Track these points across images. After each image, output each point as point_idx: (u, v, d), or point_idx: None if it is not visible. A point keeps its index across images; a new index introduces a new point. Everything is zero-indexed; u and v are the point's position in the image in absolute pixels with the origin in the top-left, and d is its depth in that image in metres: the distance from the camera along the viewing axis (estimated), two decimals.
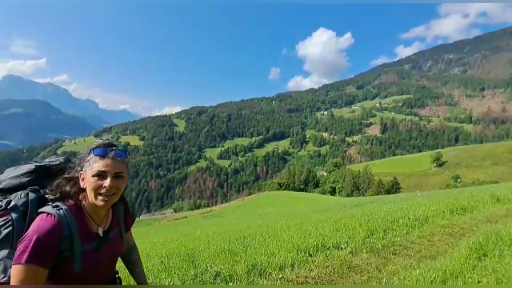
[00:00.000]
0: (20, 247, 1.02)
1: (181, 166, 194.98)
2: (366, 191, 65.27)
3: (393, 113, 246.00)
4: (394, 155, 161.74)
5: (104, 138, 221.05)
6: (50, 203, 1.13)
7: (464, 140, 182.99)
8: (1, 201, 1.15)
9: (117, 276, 1.39)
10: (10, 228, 1.10)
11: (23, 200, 1.14)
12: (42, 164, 1.27)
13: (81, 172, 1.17)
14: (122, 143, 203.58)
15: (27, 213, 1.13)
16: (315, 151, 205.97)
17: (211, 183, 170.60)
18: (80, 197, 1.19)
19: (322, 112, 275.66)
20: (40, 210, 1.11)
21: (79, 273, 1.12)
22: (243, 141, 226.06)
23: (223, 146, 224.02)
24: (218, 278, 3.19)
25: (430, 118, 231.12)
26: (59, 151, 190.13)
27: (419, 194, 23.09)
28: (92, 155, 1.15)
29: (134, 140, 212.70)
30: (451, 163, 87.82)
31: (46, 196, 1.17)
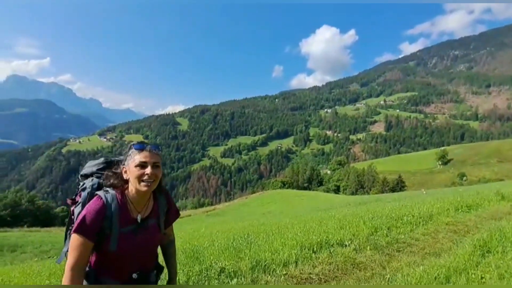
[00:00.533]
0: (76, 220, 1.36)
1: (184, 164, 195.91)
2: (370, 190, 64.92)
3: (397, 110, 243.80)
4: (399, 153, 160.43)
5: (109, 137, 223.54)
6: (103, 188, 1.45)
7: (470, 137, 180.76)
8: (81, 183, 1.56)
9: (157, 266, 1.59)
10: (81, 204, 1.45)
11: (90, 183, 1.50)
12: (108, 159, 1.61)
13: (124, 166, 1.43)
14: (126, 142, 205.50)
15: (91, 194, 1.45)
16: (319, 149, 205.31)
17: (214, 181, 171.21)
18: (124, 187, 1.44)
19: (325, 110, 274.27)
20: (96, 192, 1.43)
21: (115, 252, 1.35)
22: (247, 140, 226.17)
23: (226, 145, 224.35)
24: (222, 274, 3.24)
25: (435, 116, 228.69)
26: (64, 150, 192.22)
27: (424, 192, 22.94)
28: (133, 149, 1.42)
29: (137, 139, 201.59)
30: (457, 160, 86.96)
31: (104, 183, 1.48)
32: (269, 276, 3.20)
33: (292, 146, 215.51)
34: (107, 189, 1.43)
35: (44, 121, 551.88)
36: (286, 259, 3.60)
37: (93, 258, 1.41)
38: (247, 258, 3.61)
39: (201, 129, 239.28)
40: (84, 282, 1.39)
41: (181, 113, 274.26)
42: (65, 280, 1.28)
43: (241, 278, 3.14)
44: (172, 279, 1.70)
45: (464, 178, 69.70)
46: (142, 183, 1.37)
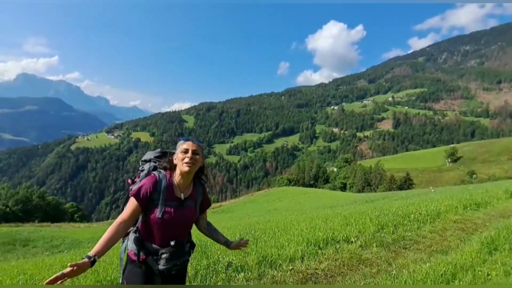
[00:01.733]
0: (135, 188, 1.79)
1: None
2: (377, 187, 64.40)
3: (406, 107, 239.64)
4: (407, 150, 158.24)
5: (116, 134, 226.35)
6: (158, 170, 1.90)
7: (481, 134, 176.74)
8: (141, 167, 1.99)
9: (190, 241, 1.94)
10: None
11: (148, 166, 1.94)
12: (164, 150, 2.04)
13: (174, 155, 1.89)
14: (133, 139, 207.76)
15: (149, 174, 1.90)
16: (325, 146, 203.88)
17: (220, 178, 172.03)
18: (173, 171, 1.87)
19: (332, 107, 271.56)
20: (152, 172, 1.88)
21: (159, 219, 1.72)
22: (252, 137, 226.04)
23: (232, 142, 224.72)
24: (230, 268, 3.30)
25: (445, 112, 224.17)
26: (72, 147, 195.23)
27: (432, 190, 22.68)
28: (181, 141, 1.89)
29: (144, 136, 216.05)
30: (466, 158, 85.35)
31: (158, 166, 1.93)
32: (275, 271, 3.25)
33: (298, 143, 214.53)
34: (161, 170, 1.87)
35: (53, 118, 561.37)
36: (292, 254, 3.65)
37: (141, 225, 1.79)
38: (253, 253, 3.66)
39: (207, 126, 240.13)
40: (131, 245, 1.77)
41: (187, 111, 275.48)
42: (109, 229, 1.63)
43: (248, 273, 3.20)
44: (226, 242, 2.17)
45: (474, 176, 68.46)
46: (185, 164, 1.79)
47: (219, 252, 3.89)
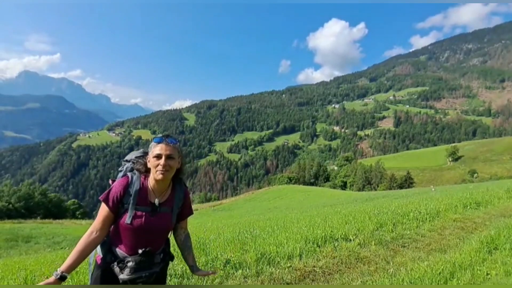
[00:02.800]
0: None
1: (191, 159, 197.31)
2: (378, 186, 64.36)
3: (407, 106, 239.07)
4: (407, 149, 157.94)
5: (117, 132, 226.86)
6: (133, 171, 1.75)
7: (482, 133, 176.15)
8: (123, 166, 1.86)
9: (166, 250, 1.77)
10: None
11: (126, 167, 1.82)
12: (146, 151, 1.86)
13: (147, 157, 1.70)
14: (134, 137, 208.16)
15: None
16: (326, 145, 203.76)
17: (221, 176, 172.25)
18: (148, 174, 1.71)
19: (333, 105, 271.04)
20: (127, 173, 1.74)
21: (128, 225, 1.59)
22: (253, 135, 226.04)
23: (233, 140, 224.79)
24: (228, 265, 3.31)
25: (446, 111, 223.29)
26: (74, 145, 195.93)
27: (433, 189, 22.64)
28: (153, 142, 1.69)
29: (145, 134, 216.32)
30: (468, 157, 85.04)
31: (134, 168, 1.79)
32: (274, 268, 3.25)
33: (299, 142, 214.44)
34: (136, 172, 1.72)
35: (55, 116, 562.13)
36: (291, 252, 3.65)
37: (112, 229, 1.67)
38: (252, 250, 3.67)
39: (208, 124, 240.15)
40: (99, 249, 1.66)
41: (188, 109, 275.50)
42: (81, 240, 1.55)
43: (246, 270, 3.20)
44: (192, 266, 1.91)
45: (475, 175, 68.27)
46: (157, 172, 1.60)
47: (218, 249, 3.90)
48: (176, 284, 2.93)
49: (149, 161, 1.67)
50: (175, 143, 1.69)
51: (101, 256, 1.65)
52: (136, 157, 1.83)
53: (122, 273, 1.57)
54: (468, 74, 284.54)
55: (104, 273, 1.63)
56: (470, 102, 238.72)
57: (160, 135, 1.72)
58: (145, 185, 1.67)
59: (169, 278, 2.97)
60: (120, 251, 1.62)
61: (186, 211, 1.82)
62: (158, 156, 1.62)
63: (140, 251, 1.59)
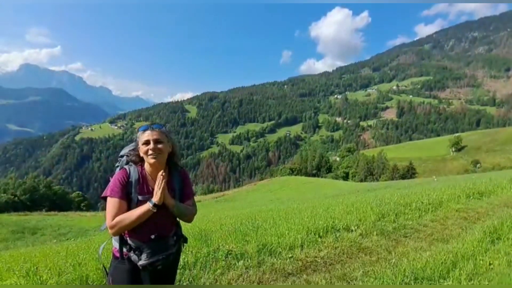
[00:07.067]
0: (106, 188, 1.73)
1: (193, 151, 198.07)
2: (380, 177, 64.36)
3: (410, 96, 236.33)
4: (410, 139, 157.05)
5: (119, 125, 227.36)
6: (129, 164, 1.82)
7: (486, 123, 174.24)
8: (120, 161, 1.90)
9: (178, 232, 1.86)
10: None
11: (121, 160, 1.87)
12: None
13: (138, 147, 1.79)
14: (136, 130, 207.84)
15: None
16: (328, 136, 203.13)
17: (223, 168, 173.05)
18: (143, 163, 1.80)
19: (335, 96, 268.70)
20: (124, 166, 1.80)
21: None
22: (255, 127, 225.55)
23: (234, 132, 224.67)
24: (229, 256, 3.32)
25: (450, 101, 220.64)
26: (77, 138, 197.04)
27: (435, 179, 22.61)
28: (140, 132, 1.79)
29: None
30: (471, 147, 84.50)
31: (129, 160, 1.85)
32: (275, 259, 3.26)
33: (301, 133, 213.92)
34: (131, 164, 1.79)
35: (57, 109, 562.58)
36: (292, 242, 3.65)
37: None
38: (253, 241, 3.68)
39: (210, 116, 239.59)
40: (114, 242, 1.74)
41: (190, 101, 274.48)
42: (111, 233, 1.63)
43: (247, 260, 3.21)
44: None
45: (478, 165, 68.01)
46: (149, 157, 1.70)
47: (219, 240, 3.92)
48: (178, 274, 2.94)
49: (140, 150, 1.75)
50: (160, 127, 1.78)
51: (117, 248, 1.72)
52: (129, 151, 1.86)
53: (140, 259, 1.65)
54: (473, 63, 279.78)
55: (123, 263, 1.70)
56: (475, 91, 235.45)
57: (145, 123, 1.81)
58: (143, 174, 1.75)
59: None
60: (134, 240, 1.69)
61: (186, 192, 1.87)
62: (147, 142, 1.71)
63: (152, 236, 1.68)
